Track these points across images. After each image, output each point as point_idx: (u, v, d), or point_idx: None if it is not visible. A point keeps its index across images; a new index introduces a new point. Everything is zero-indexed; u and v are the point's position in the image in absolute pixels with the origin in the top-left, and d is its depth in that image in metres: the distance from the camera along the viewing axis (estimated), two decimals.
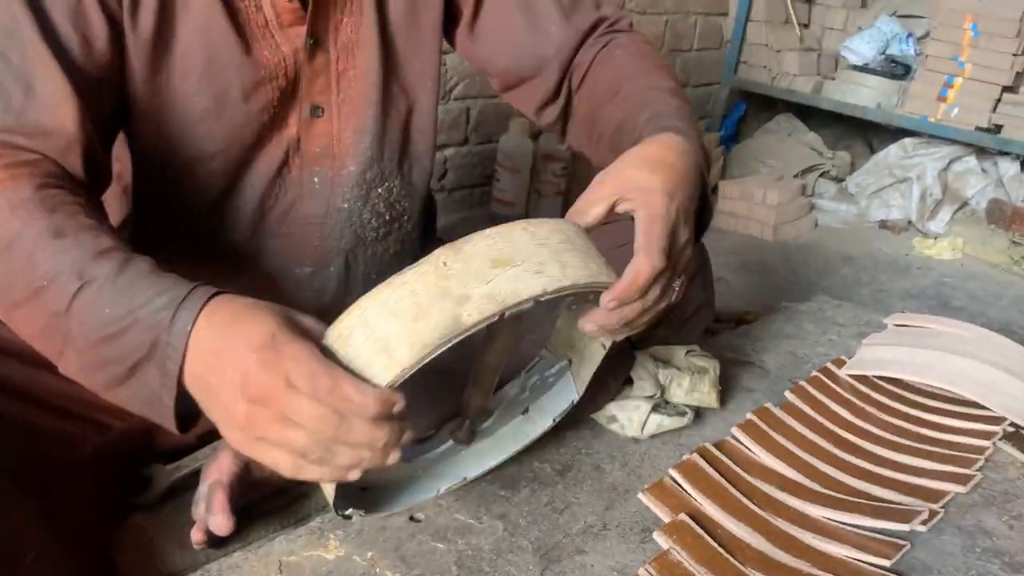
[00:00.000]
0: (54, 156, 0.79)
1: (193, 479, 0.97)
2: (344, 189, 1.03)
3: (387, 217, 1.07)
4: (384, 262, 1.10)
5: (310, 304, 1.04)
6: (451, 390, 0.92)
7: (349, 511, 0.84)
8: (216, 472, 0.95)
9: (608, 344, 0.91)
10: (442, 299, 0.67)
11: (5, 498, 0.76)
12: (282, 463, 0.66)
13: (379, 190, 1.05)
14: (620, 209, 0.81)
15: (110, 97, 0.87)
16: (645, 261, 0.76)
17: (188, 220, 0.99)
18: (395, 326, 0.66)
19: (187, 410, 0.71)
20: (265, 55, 0.91)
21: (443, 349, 0.66)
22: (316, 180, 1.01)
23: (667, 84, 1.01)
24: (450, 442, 0.94)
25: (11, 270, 0.72)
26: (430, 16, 1.04)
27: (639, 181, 0.80)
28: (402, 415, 0.67)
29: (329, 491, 0.78)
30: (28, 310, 0.72)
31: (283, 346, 0.64)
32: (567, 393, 0.99)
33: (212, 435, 1.05)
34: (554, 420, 0.98)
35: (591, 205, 0.81)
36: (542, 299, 0.70)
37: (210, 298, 0.69)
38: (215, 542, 0.91)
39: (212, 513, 0.89)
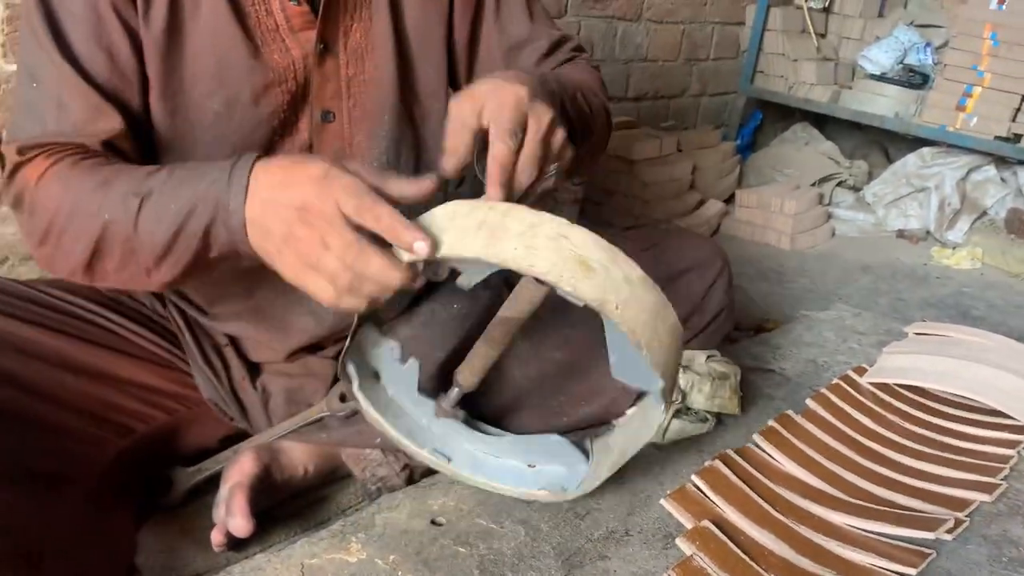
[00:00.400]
0: (93, 147, 0.83)
1: (214, 482, 0.97)
2: None
3: None
4: None
5: (327, 311, 1.04)
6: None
7: (351, 368, 0.92)
8: (237, 475, 0.95)
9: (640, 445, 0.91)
10: (524, 239, 0.72)
11: (29, 498, 0.76)
12: (322, 288, 0.74)
13: None
14: (484, 122, 0.82)
15: (143, 102, 0.89)
16: (500, 145, 0.79)
17: None
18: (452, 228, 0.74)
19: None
20: (275, 59, 0.92)
21: (475, 259, 0.73)
22: None
23: (581, 77, 1.04)
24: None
25: (77, 233, 0.78)
26: (439, 30, 1.04)
27: (485, 86, 0.83)
28: (415, 268, 0.75)
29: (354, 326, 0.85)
30: (103, 256, 0.79)
31: (335, 178, 0.72)
32: (571, 479, 0.94)
33: (233, 439, 1.05)
34: (540, 491, 0.93)
35: (455, 135, 0.82)
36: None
37: (258, 157, 0.76)
38: (235, 544, 0.91)
39: (232, 515, 0.89)
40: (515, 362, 0.99)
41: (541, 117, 0.82)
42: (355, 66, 0.97)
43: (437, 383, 0.96)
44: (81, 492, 0.84)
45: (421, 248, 0.72)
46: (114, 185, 0.78)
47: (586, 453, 0.94)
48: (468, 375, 0.91)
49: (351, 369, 0.92)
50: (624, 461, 0.90)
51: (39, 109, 0.83)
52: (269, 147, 0.96)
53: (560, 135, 0.85)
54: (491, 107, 0.81)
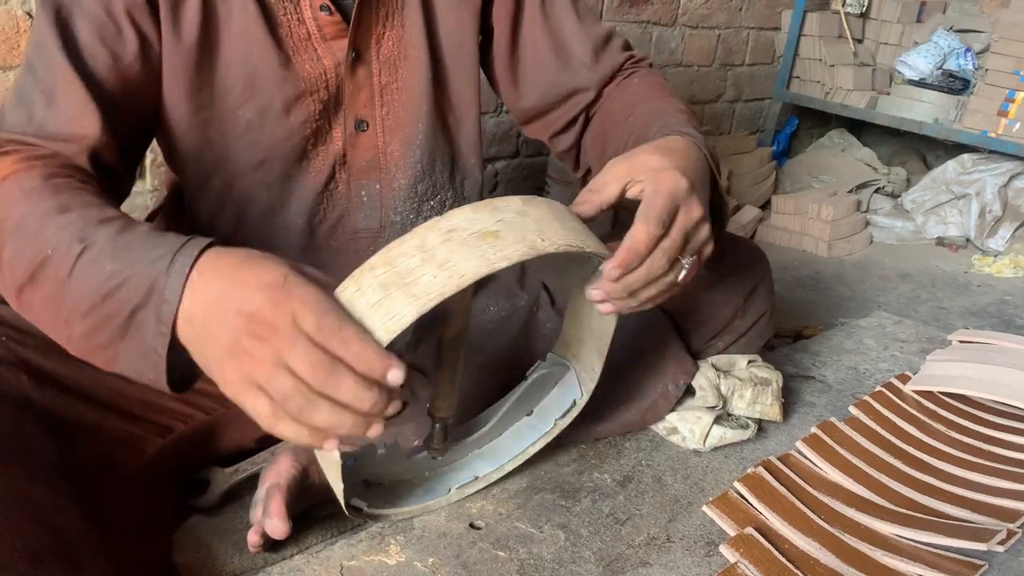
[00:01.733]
0: (68, 155, 0.80)
1: (252, 483, 0.97)
2: (396, 202, 1.02)
3: None
4: None
5: None
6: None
7: (355, 501, 0.86)
8: (274, 476, 0.94)
9: (613, 323, 0.89)
10: (430, 264, 0.68)
11: (71, 496, 0.76)
12: (261, 410, 0.64)
13: (431, 203, 1.05)
14: (632, 193, 0.81)
15: (139, 111, 0.88)
16: (642, 227, 0.76)
17: (237, 236, 0.99)
18: (395, 288, 0.67)
19: (183, 369, 0.70)
20: (306, 68, 0.92)
21: (436, 303, 0.66)
22: (364, 194, 1.01)
23: (678, 106, 1.01)
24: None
25: (20, 250, 0.72)
26: (472, 36, 1.04)
27: (651, 163, 0.80)
28: (391, 390, 0.66)
29: (334, 476, 0.78)
30: (35, 286, 0.72)
31: (294, 288, 0.64)
32: (571, 393, 0.98)
33: (271, 439, 1.05)
34: (556, 421, 0.97)
35: (605, 185, 0.81)
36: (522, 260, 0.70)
37: (210, 245, 0.68)
38: (271, 545, 0.91)
39: (268, 516, 0.89)
40: None
41: (692, 211, 0.80)
42: (388, 74, 0.97)
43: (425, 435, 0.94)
44: (121, 491, 0.85)
45: (396, 377, 0.64)
46: (68, 216, 0.72)
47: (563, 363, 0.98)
48: (443, 408, 0.89)
49: (356, 502, 0.88)
50: (606, 342, 0.90)
51: (29, 99, 0.82)
52: (303, 155, 0.96)
53: (704, 232, 0.82)
54: (649, 189, 0.79)
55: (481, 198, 1.12)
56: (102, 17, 0.83)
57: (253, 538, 0.90)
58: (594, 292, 0.79)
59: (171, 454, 0.95)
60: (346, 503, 0.83)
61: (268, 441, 1.05)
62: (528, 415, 0.98)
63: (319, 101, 0.94)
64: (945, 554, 0.90)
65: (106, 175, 0.83)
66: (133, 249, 0.69)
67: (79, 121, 0.81)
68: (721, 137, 2.94)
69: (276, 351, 0.62)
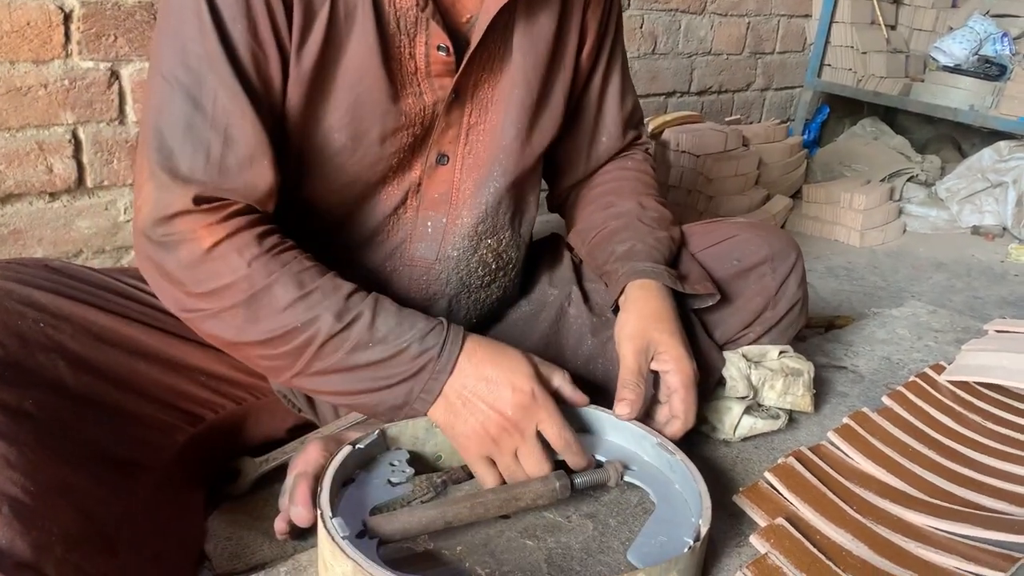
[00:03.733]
0: (256, 203, 0.85)
1: (281, 471, 0.98)
2: (456, 238, 1.02)
3: (493, 267, 1.07)
4: (486, 308, 1.10)
5: None
6: None
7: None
8: (302, 464, 0.95)
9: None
10: None
11: (106, 483, 0.77)
12: (488, 476, 0.85)
13: (489, 241, 1.05)
14: (654, 366, 0.96)
15: (284, 142, 0.89)
16: (679, 425, 0.95)
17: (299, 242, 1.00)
18: None
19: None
20: (409, 103, 0.92)
21: None
22: (429, 224, 1.01)
23: (652, 214, 1.14)
24: None
25: (253, 318, 0.82)
26: (564, 85, 1.06)
27: (663, 345, 0.96)
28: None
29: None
30: (268, 346, 0.83)
31: (540, 399, 0.84)
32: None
33: (301, 429, 1.06)
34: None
35: (637, 394, 0.93)
36: None
37: (467, 335, 0.86)
38: (298, 533, 0.91)
39: (294, 504, 0.89)
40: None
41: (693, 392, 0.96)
42: (478, 115, 0.98)
43: None
44: (153, 478, 0.86)
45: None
46: (313, 296, 0.83)
47: None
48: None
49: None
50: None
51: (203, 136, 0.81)
52: (383, 181, 0.97)
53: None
54: (673, 381, 0.95)
55: (531, 233, 1.14)
56: (252, 42, 0.82)
57: (280, 525, 0.91)
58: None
59: (202, 443, 0.96)
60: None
61: (297, 431, 1.06)
62: None
63: (412, 135, 0.94)
64: (981, 546, 0.88)
65: (277, 206, 0.89)
66: (396, 329, 0.84)
67: (259, 161, 0.84)
68: (751, 126, 2.91)
69: (516, 445, 0.84)
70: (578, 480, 0.87)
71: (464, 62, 0.92)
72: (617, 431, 0.96)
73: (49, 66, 1.46)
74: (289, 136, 0.90)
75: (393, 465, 0.87)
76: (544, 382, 0.85)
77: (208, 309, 0.83)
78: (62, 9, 1.45)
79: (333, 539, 0.73)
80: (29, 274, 0.85)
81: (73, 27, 1.47)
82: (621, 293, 1.03)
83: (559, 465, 0.87)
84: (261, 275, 0.81)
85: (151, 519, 0.83)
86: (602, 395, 0.97)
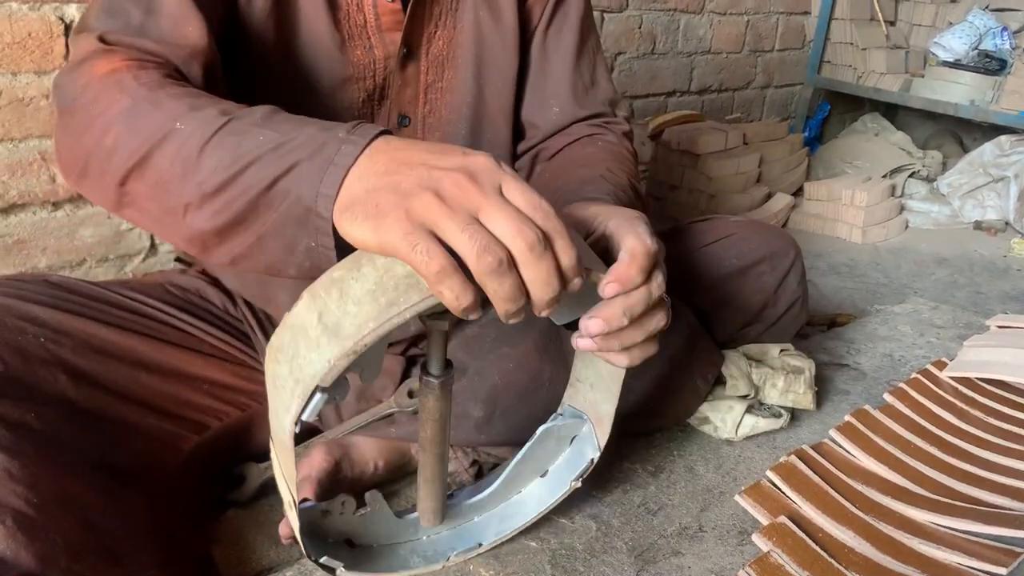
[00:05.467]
0: (177, 63, 0.75)
1: None
2: None
3: None
4: None
5: None
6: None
7: (325, 559, 0.73)
8: (306, 468, 0.96)
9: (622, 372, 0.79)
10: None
11: (110, 493, 0.78)
12: (434, 262, 0.54)
13: None
14: (601, 232, 0.72)
15: (223, 28, 0.84)
16: (637, 243, 0.66)
17: None
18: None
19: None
20: (357, 54, 0.92)
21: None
22: None
23: (622, 180, 0.95)
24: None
25: (133, 128, 0.66)
26: (513, 45, 1.03)
27: (612, 211, 0.74)
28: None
29: (294, 520, 0.69)
30: (148, 167, 0.66)
31: (504, 166, 0.58)
32: (586, 449, 0.87)
33: (305, 435, 1.07)
34: (573, 483, 0.86)
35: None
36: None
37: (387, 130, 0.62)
38: None
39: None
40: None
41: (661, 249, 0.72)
42: (434, 73, 0.98)
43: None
44: (158, 487, 0.86)
45: (576, 286, 0.59)
46: (201, 99, 0.67)
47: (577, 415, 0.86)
48: (430, 516, 0.80)
49: (329, 561, 0.74)
50: (617, 388, 0.80)
51: (123, 7, 0.76)
52: None
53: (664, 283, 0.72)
54: (620, 221, 0.70)
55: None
56: None
57: (284, 530, 0.92)
58: (586, 332, 0.66)
59: (207, 450, 0.96)
60: (316, 560, 0.73)
61: (301, 436, 1.06)
62: (542, 476, 0.88)
63: (363, 90, 0.94)
64: (983, 542, 0.89)
65: (212, 85, 0.77)
66: (292, 123, 0.64)
67: (183, 27, 0.76)
68: (752, 124, 2.91)
69: (476, 204, 0.55)
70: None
71: (407, 13, 0.92)
72: None
73: (50, 76, 1.47)
74: (243, 85, 0.86)
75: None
76: None
77: (93, 152, 0.69)
78: (62, 20, 1.45)
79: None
80: (29, 289, 0.85)
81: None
82: None
83: None
84: (148, 89, 0.68)
85: (156, 527, 0.83)
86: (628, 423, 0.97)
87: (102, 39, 0.73)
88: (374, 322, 0.56)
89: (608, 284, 0.64)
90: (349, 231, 0.57)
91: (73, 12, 1.46)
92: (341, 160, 0.58)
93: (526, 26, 1.04)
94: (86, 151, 0.70)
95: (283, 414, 0.61)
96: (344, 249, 0.60)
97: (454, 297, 0.54)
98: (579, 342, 0.68)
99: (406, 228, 0.54)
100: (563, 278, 0.57)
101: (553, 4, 1.06)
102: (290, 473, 0.64)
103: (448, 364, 0.70)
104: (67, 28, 1.46)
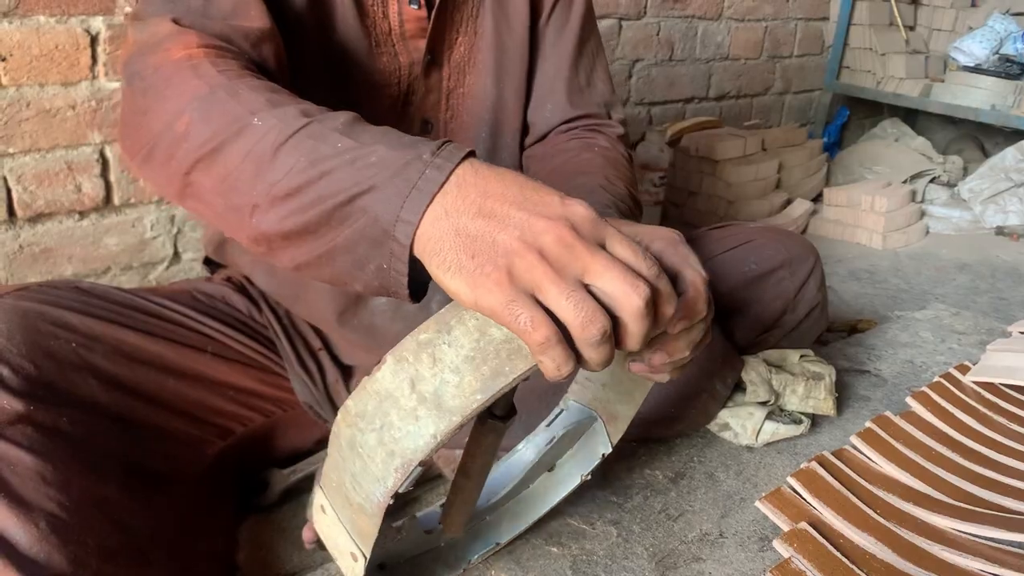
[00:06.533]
0: (247, 48, 0.74)
1: (309, 482, 0.99)
2: None
3: None
4: None
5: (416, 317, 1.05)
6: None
7: None
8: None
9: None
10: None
11: (139, 496, 0.79)
12: (538, 333, 0.50)
13: None
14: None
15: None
16: (696, 276, 0.64)
17: None
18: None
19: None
20: (384, 61, 0.93)
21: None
22: None
23: (621, 190, 0.96)
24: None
25: (207, 116, 0.65)
26: (524, 48, 1.05)
27: (650, 233, 0.72)
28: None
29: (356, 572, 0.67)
30: (218, 159, 0.64)
31: (600, 214, 0.54)
32: (597, 446, 0.86)
33: (327, 441, 1.08)
34: (583, 476, 0.86)
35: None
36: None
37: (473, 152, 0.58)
38: None
39: None
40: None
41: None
42: (456, 79, 0.99)
43: None
44: (184, 491, 0.87)
45: (678, 327, 0.60)
46: (280, 95, 0.65)
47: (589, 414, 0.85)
48: (455, 525, 0.77)
49: None
50: (642, 394, 0.80)
51: None
52: None
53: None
54: (662, 243, 0.68)
55: None
56: None
57: (307, 535, 0.93)
58: (656, 357, 0.64)
59: (231, 456, 0.98)
60: None
61: (325, 443, 1.07)
62: (550, 471, 0.88)
63: (390, 96, 0.95)
64: (1005, 548, 0.88)
65: (281, 71, 0.77)
66: (370, 132, 0.61)
67: (244, 11, 0.75)
68: (770, 130, 2.91)
69: (584, 265, 0.51)
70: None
71: (432, 20, 0.93)
72: None
73: (77, 87, 1.50)
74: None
75: None
76: None
77: (162, 138, 0.67)
78: (88, 32, 1.48)
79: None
80: (60, 296, 0.87)
81: (99, 49, 1.50)
82: None
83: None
84: (226, 77, 0.67)
85: (183, 531, 0.84)
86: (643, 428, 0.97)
87: (176, 21, 0.72)
88: (481, 394, 0.53)
89: (678, 321, 0.61)
90: (442, 278, 0.53)
91: (99, 25, 1.49)
92: (425, 186, 0.54)
93: (534, 26, 1.05)
94: (154, 134, 0.68)
95: (371, 484, 0.58)
96: (413, 275, 0.57)
97: (555, 367, 0.52)
98: (633, 367, 0.66)
99: (509, 295, 0.50)
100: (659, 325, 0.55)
101: (554, 3, 1.07)
102: (369, 533, 0.62)
103: (512, 408, 0.67)
104: (93, 40, 1.49)
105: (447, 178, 0.54)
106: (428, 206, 0.54)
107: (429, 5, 0.94)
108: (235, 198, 0.63)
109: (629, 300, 0.51)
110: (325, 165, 0.59)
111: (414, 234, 0.54)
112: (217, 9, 0.75)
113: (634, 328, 0.53)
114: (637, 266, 0.53)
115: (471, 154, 0.57)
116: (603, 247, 0.53)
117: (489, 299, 0.51)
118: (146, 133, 0.69)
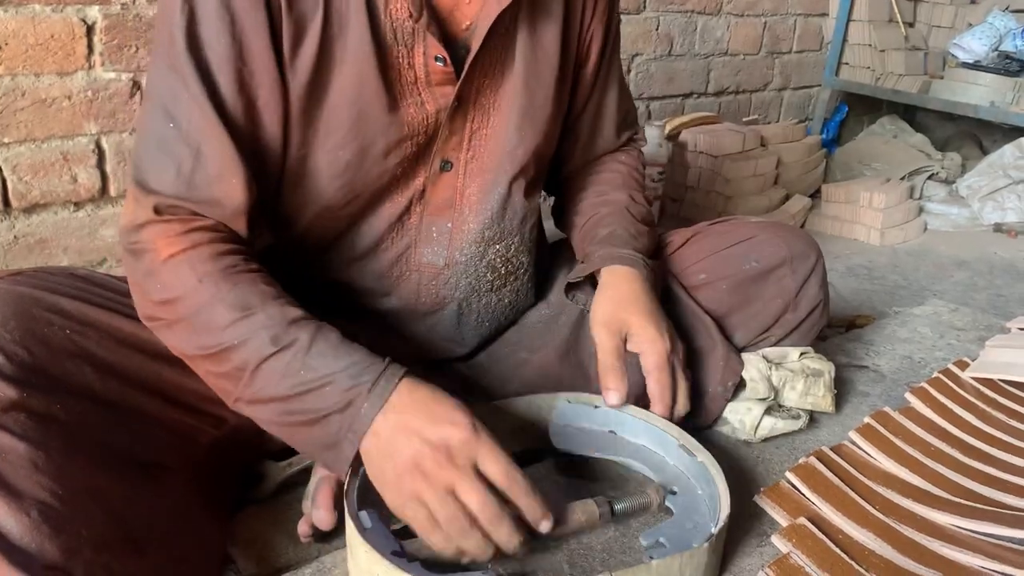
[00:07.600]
0: (224, 221, 0.85)
1: (305, 475, 0.99)
2: (463, 243, 1.02)
3: (503, 271, 1.07)
4: (498, 312, 1.10)
5: (423, 337, 1.07)
6: None
7: None
8: (325, 468, 0.96)
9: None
10: None
11: (134, 486, 0.78)
12: (419, 520, 0.76)
13: (497, 247, 1.04)
14: (629, 347, 0.97)
15: (266, 152, 0.89)
16: (663, 410, 0.95)
17: (302, 257, 1.01)
18: None
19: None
20: (410, 112, 0.92)
21: None
22: (434, 230, 1.01)
23: (641, 209, 1.16)
24: None
25: (201, 329, 0.80)
26: (554, 91, 1.04)
27: (635, 327, 0.97)
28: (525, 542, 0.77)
29: None
30: (214, 362, 0.81)
31: (482, 436, 0.77)
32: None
33: None
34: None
35: (620, 382, 0.95)
36: None
37: (406, 374, 0.80)
38: (321, 536, 0.92)
39: (316, 507, 0.90)
40: None
41: (677, 350, 0.98)
42: (480, 120, 0.98)
43: None
44: (179, 481, 0.87)
45: (546, 527, 0.78)
46: (255, 317, 0.80)
47: None
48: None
49: None
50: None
51: (175, 152, 0.82)
52: (385, 191, 0.97)
53: (680, 345, 1.00)
54: (646, 362, 0.96)
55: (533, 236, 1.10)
56: (239, 62, 0.82)
57: (303, 528, 0.92)
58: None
59: (225, 446, 0.97)
60: None
61: None
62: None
63: (416, 144, 0.94)
64: (1003, 544, 0.88)
65: (252, 229, 0.88)
66: (329, 360, 0.79)
67: (228, 180, 0.83)
68: (769, 126, 2.90)
69: (451, 481, 0.75)
70: (619, 506, 0.86)
71: (465, 71, 0.92)
72: (640, 433, 0.96)
73: (73, 77, 1.48)
74: (293, 160, 0.90)
75: None
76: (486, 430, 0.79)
77: (163, 319, 0.83)
78: (85, 21, 1.47)
79: (364, 538, 0.76)
80: (55, 282, 0.86)
81: (96, 39, 1.49)
82: (590, 277, 1.07)
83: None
84: (208, 292, 0.80)
85: (177, 521, 0.84)
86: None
87: (157, 210, 0.82)
88: None
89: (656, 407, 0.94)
90: (370, 472, 0.80)
91: (96, 14, 1.48)
92: (358, 426, 0.78)
93: (563, 65, 1.04)
94: (157, 319, 0.84)
95: None
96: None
97: (441, 548, 0.77)
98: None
99: (401, 500, 0.77)
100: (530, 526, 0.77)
101: (603, 52, 1.10)
102: None
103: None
104: (89, 30, 1.48)
105: (377, 412, 0.78)
106: (361, 439, 0.78)
107: (457, 59, 0.91)
108: (221, 385, 0.84)
109: (480, 512, 0.75)
110: (290, 391, 0.79)
111: (359, 446, 0.79)
112: (203, 176, 0.83)
113: (492, 535, 0.76)
114: (499, 481, 0.76)
115: (409, 374, 0.80)
116: (474, 467, 0.76)
117: (390, 499, 0.78)
118: (150, 313, 0.84)
